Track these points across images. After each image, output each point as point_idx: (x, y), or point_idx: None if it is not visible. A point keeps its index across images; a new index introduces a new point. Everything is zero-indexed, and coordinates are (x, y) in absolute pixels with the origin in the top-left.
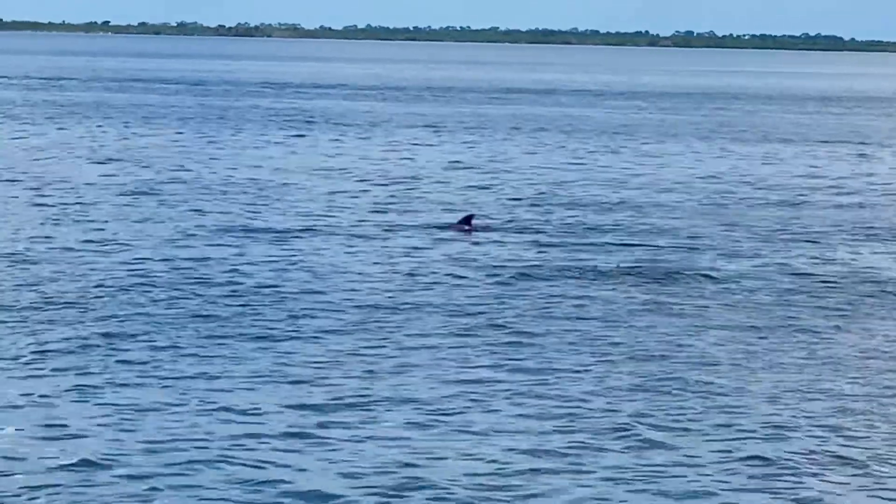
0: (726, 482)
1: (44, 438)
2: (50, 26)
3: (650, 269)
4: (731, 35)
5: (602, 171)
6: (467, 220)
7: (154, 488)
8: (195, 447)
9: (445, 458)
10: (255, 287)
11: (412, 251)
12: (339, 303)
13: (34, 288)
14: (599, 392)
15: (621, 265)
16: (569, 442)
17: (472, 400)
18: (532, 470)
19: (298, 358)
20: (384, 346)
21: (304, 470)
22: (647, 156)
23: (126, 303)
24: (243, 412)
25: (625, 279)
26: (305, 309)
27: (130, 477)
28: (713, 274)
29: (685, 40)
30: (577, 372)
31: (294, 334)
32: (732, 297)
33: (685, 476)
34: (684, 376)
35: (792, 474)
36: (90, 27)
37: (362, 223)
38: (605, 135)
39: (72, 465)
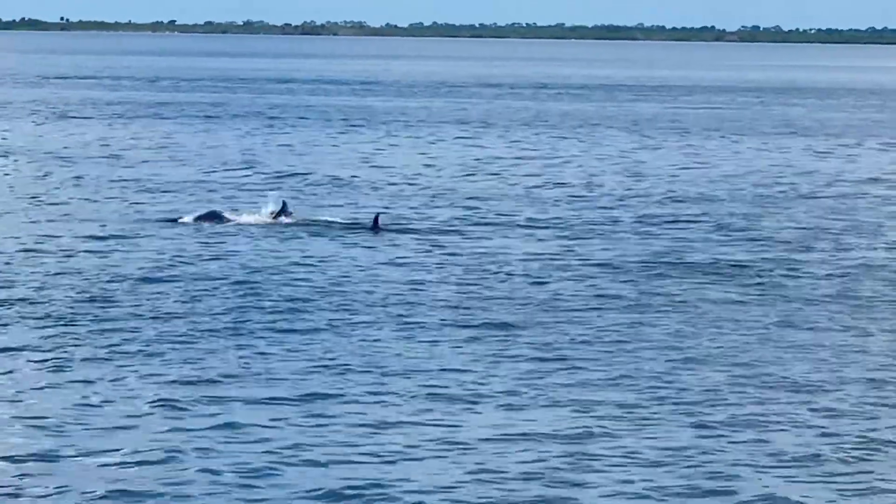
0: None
1: (90, 434)
2: (116, 26)
3: (724, 265)
4: (797, 29)
5: (671, 167)
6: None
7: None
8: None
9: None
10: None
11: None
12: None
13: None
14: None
15: (710, 260)
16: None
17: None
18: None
19: (358, 351)
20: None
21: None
22: (724, 151)
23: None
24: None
25: (711, 274)
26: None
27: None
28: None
29: (751, 35)
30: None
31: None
32: (832, 293)
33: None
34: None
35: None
36: (156, 27)
37: (410, 220)
38: (677, 132)
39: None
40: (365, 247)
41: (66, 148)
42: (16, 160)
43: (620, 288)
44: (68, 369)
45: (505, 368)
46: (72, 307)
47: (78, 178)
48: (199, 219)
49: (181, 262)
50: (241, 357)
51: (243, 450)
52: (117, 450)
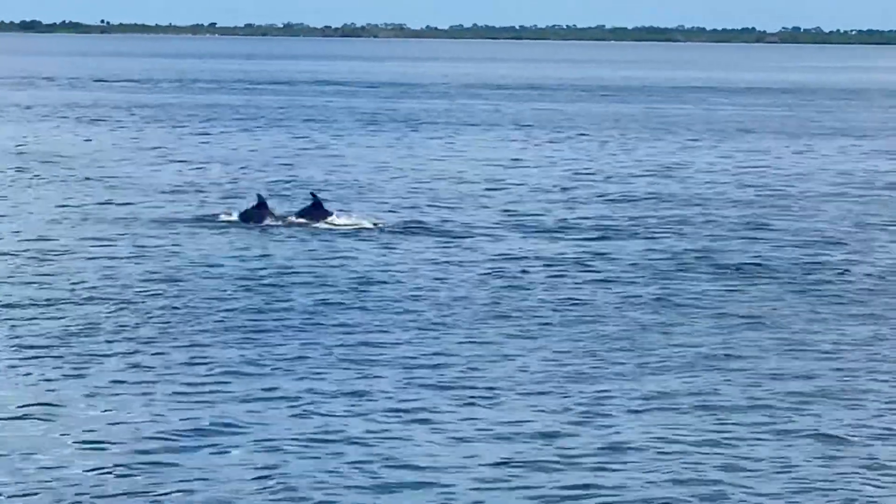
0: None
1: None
2: (157, 28)
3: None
4: (837, 31)
5: (703, 167)
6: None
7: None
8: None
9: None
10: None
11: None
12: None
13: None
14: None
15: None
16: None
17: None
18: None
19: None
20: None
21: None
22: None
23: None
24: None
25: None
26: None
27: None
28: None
29: (792, 36)
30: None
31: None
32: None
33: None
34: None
35: None
36: (196, 29)
37: (446, 222)
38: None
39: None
40: (397, 247)
41: (105, 148)
42: (51, 161)
43: (658, 289)
44: (102, 364)
45: (533, 367)
46: (109, 305)
47: (112, 179)
48: (243, 218)
49: (217, 260)
50: (268, 352)
51: (272, 446)
52: (154, 443)
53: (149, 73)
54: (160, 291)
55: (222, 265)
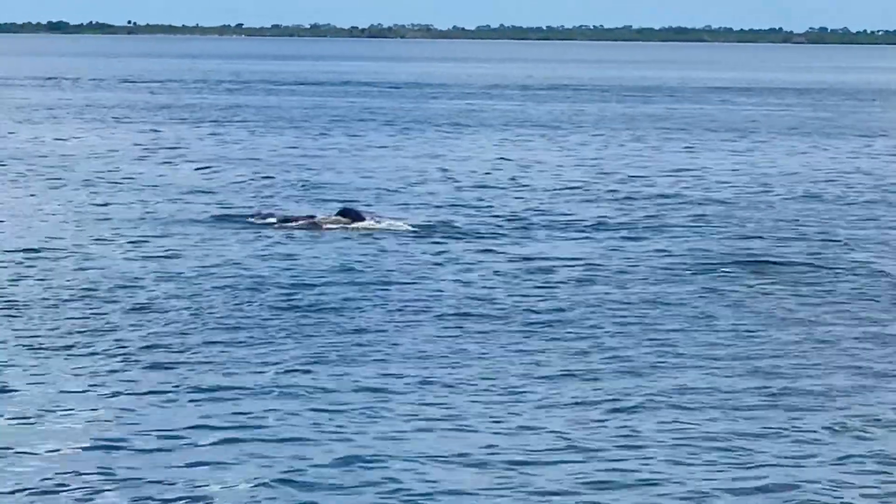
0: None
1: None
2: (184, 29)
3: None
4: (864, 31)
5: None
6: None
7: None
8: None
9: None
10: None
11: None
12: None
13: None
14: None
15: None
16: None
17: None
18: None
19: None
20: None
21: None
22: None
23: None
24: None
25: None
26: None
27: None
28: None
29: (819, 37)
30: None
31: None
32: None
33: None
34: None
35: None
36: (223, 30)
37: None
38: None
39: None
40: (428, 248)
41: (135, 149)
42: (79, 162)
43: (683, 288)
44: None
45: (558, 368)
46: (142, 303)
47: (135, 179)
48: (285, 220)
49: (250, 261)
50: (296, 352)
51: (302, 446)
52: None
53: (179, 74)
54: (183, 291)
55: (255, 266)
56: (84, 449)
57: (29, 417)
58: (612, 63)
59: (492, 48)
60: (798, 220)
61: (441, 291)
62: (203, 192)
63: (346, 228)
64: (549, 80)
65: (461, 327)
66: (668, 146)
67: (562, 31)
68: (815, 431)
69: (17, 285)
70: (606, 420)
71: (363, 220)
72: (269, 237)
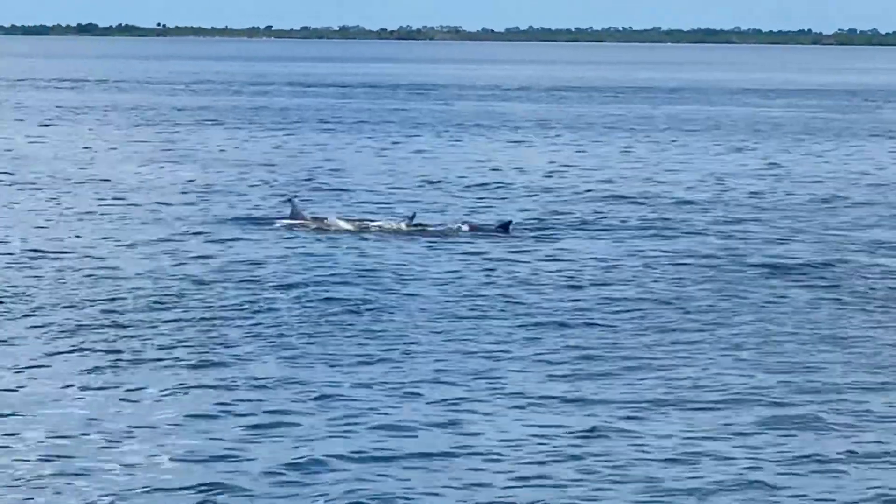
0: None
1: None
2: (213, 31)
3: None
4: (894, 32)
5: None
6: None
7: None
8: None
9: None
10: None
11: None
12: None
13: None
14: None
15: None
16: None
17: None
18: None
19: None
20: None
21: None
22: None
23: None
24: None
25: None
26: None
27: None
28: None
29: (848, 38)
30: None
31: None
32: None
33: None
34: None
35: None
36: (253, 32)
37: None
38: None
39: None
40: (468, 251)
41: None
42: (111, 164)
43: (707, 289)
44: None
45: (582, 368)
46: (165, 305)
47: (173, 181)
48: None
49: (282, 262)
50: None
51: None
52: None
53: (230, 76)
54: (210, 292)
55: (286, 267)
56: (104, 444)
57: (47, 411)
58: (642, 65)
59: (521, 50)
60: (822, 223)
61: (478, 293)
62: (236, 193)
63: (399, 232)
64: (579, 82)
65: (500, 328)
66: (695, 147)
67: (591, 32)
68: (838, 431)
69: (40, 285)
70: (631, 418)
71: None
72: (310, 239)
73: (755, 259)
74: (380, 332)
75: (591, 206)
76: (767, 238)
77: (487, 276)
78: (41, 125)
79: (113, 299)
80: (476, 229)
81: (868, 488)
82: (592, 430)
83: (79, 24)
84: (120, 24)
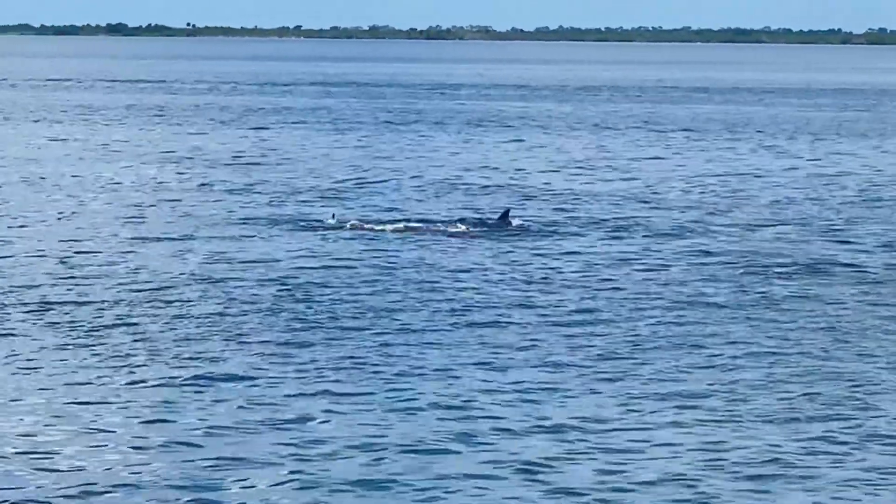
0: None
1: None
2: (242, 31)
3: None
4: None
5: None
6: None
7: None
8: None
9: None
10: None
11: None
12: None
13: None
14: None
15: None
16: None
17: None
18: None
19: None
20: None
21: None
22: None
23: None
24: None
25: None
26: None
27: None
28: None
29: (878, 37)
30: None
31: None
32: None
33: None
34: None
35: None
36: (282, 31)
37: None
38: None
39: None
40: (494, 249)
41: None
42: (152, 165)
43: (729, 290)
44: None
45: (603, 367)
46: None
47: (212, 183)
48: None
49: (322, 262)
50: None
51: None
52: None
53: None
54: (257, 291)
55: (326, 268)
56: (126, 442)
57: (70, 410)
58: (672, 64)
59: (551, 50)
60: (852, 221)
61: (513, 293)
62: (286, 194)
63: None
64: (611, 81)
65: (532, 324)
66: (724, 147)
67: (620, 32)
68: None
69: (71, 284)
70: (658, 418)
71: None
72: (358, 239)
73: (785, 258)
74: (385, 331)
75: (617, 206)
76: (796, 237)
77: (521, 274)
78: (70, 125)
79: (164, 293)
80: (474, 226)
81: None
82: (606, 422)
83: (108, 25)
84: (150, 25)
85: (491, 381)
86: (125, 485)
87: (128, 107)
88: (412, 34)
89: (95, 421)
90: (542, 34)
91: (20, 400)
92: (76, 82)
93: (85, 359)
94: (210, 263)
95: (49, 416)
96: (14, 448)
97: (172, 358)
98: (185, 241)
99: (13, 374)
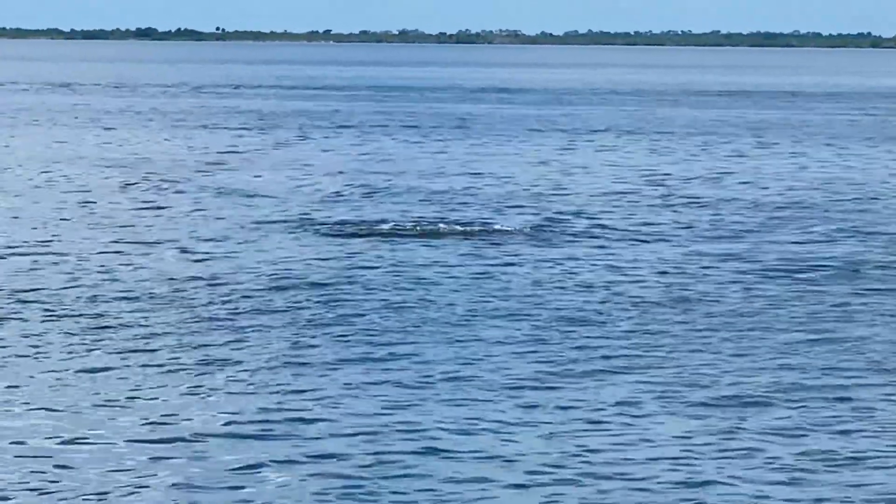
0: None
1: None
2: (272, 35)
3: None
4: None
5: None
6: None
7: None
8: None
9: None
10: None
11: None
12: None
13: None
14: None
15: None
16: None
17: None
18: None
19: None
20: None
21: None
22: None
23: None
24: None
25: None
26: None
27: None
28: None
29: None
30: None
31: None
32: None
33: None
34: None
35: None
36: (312, 36)
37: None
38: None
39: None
40: (517, 254)
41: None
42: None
43: (761, 295)
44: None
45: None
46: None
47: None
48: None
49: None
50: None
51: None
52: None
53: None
54: (296, 296)
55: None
56: (147, 442)
57: (89, 411)
58: (701, 68)
59: (580, 53)
60: (881, 224)
61: (537, 296)
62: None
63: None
64: (639, 85)
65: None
66: (756, 151)
67: (650, 36)
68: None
69: (105, 282)
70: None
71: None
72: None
73: (814, 260)
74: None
75: (645, 210)
76: (823, 240)
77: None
78: (105, 129)
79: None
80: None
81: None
82: (606, 427)
83: (138, 29)
84: (179, 29)
85: (531, 400)
86: (127, 486)
87: (156, 111)
88: (441, 38)
89: (102, 423)
90: (571, 38)
91: (31, 403)
92: (114, 87)
93: (94, 359)
94: (271, 270)
95: (49, 418)
96: (19, 451)
97: (198, 361)
98: (251, 243)
99: (31, 376)
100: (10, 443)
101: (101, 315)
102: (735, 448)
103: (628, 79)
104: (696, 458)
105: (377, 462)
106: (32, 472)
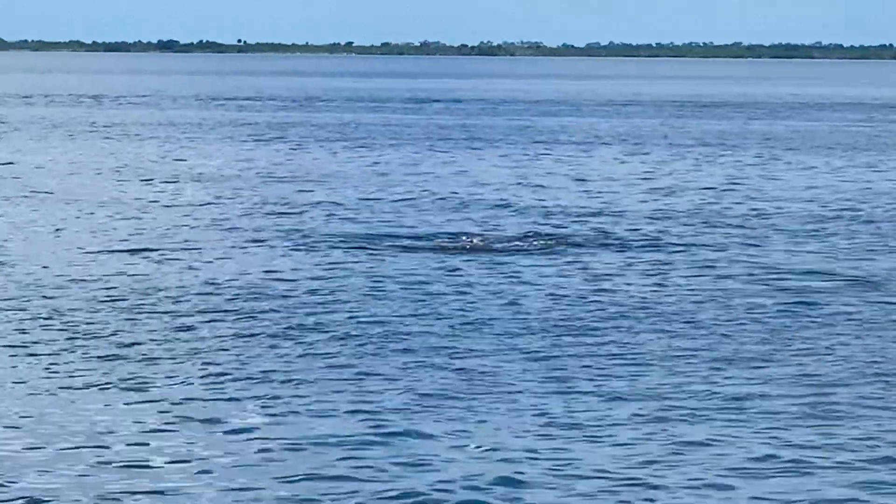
0: None
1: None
2: (294, 48)
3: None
4: None
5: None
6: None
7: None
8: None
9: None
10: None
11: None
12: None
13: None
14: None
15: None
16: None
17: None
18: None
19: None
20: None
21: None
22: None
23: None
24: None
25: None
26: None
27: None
28: None
29: None
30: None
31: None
32: None
33: None
34: None
35: None
36: (333, 48)
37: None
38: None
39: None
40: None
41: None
42: (201, 181)
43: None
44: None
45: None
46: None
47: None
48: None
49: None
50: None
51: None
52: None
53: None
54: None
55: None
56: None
57: (108, 414)
58: (726, 80)
59: (602, 65)
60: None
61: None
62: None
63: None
64: (661, 97)
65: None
66: (771, 163)
67: (671, 48)
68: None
69: (139, 287)
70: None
71: None
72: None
73: (848, 273)
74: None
75: (655, 222)
76: (834, 252)
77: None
78: (141, 140)
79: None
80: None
81: None
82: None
83: (160, 41)
84: (200, 41)
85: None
86: (133, 491)
87: (172, 124)
88: (463, 50)
89: (101, 432)
90: (592, 49)
91: (43, 418)
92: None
93: (93, 365)
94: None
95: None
96: (29, 455)
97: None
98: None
99: (38, 385)
100: None
101: (94, 322)
102: (736, 456)
103: (681, 90)
104: (722, 471)
105: (375, 469)
106: (24, 474)
